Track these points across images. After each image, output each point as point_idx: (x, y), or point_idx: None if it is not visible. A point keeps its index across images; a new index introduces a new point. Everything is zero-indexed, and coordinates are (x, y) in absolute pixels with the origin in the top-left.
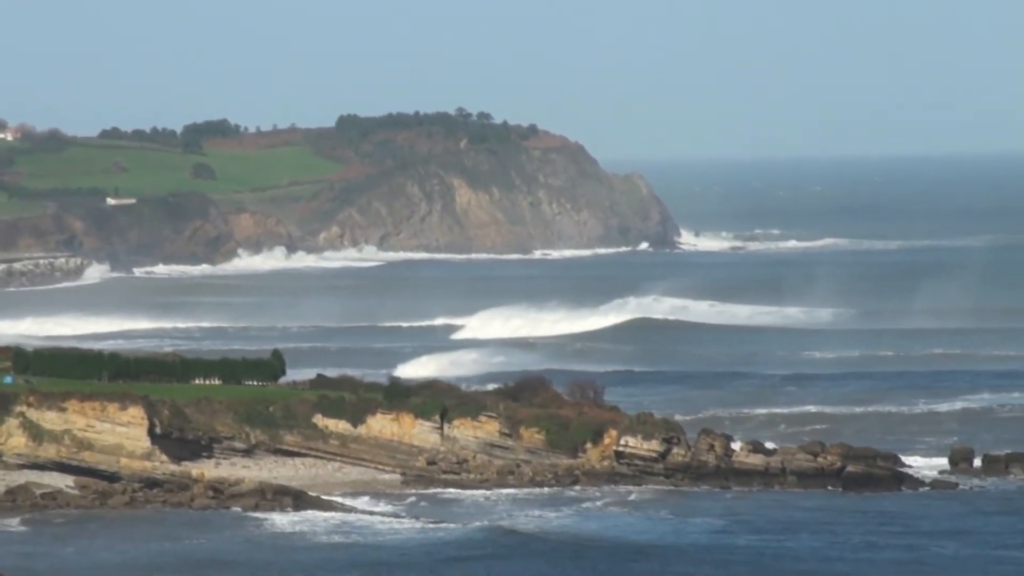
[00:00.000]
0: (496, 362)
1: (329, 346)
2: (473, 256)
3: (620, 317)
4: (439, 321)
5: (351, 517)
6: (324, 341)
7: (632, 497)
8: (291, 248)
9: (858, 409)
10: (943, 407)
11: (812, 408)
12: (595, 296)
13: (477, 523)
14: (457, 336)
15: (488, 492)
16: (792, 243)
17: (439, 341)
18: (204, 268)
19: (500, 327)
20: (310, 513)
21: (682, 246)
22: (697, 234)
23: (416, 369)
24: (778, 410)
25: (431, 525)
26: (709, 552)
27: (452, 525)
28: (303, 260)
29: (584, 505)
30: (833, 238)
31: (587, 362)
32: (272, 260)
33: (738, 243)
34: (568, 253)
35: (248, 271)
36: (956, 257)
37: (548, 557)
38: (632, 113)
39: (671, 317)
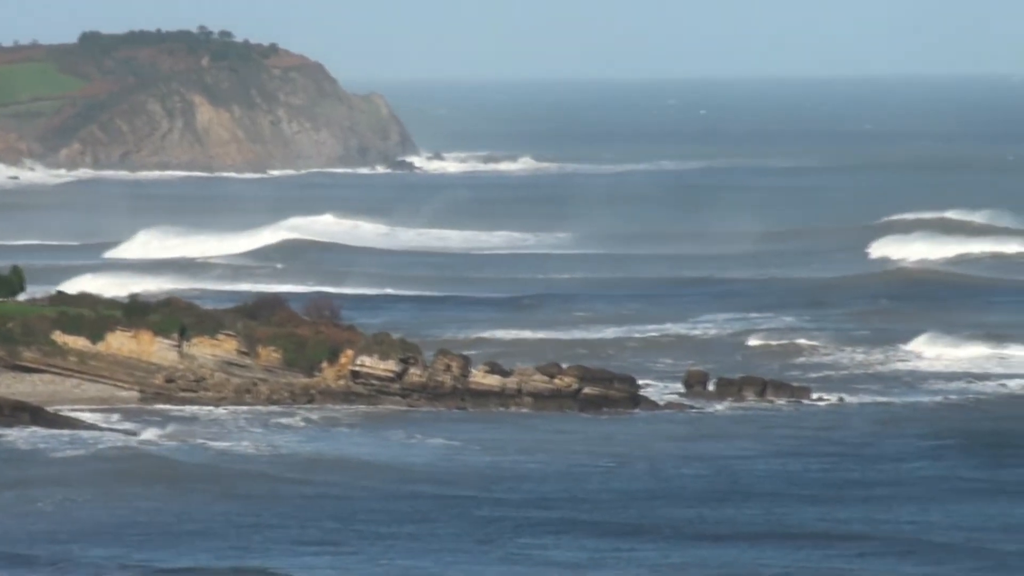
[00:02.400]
0: (156, 281)
1: (73, 263)
2: (214, 174)
3: (287, 235)
4: (113, 239)
5: (87, 434)
6: (59, 259)
7: (365, 416)
8: (31, 165)
9: (596, 332)
10: (680, 330)
11: (551, 331)
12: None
13: (199, 441)
14: (113, 255)
15: (224, 410)
16: (505, 165)
17: (95, 259)
18: None
19: (164, 245)
20: (48, 429)
21: (421, 167)
22: (437, 156)
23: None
24: (517, 333)
25: (165, 443)
26: (443, 472)
27: (184, 443)
28: (43, 177)
29: (316, 424)
30: (558, 162)
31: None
32: (11, 176)
33: (470, 165)
34: (306, 172)
35: None
36: (681, 180)
37: (271, 478)
38: (376, 32)
39: (358, 244)
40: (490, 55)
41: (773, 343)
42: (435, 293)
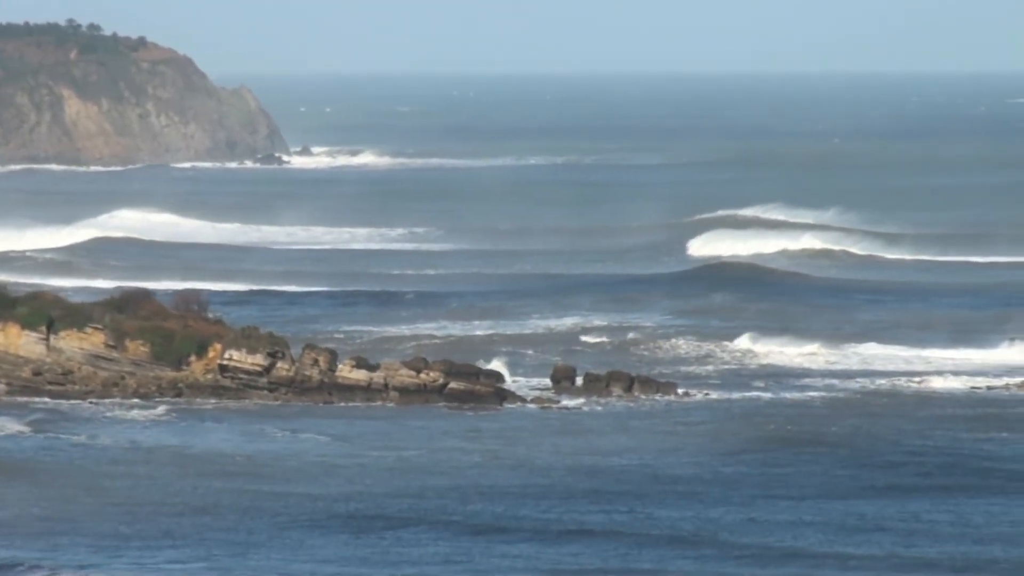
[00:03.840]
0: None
1: None
2: (84, 167)
3: (101, 232)
4: None
5: None
6: None
7: (233, 411)
8: None
9: (463, 327)
10: (546, 325)
11: (418, 325)
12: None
13: (62, 435)
14: None
15: (91, 403)
16: (372, 159)
17: None
18: None
19: None
20: None
21: (289, 161)
22: (306, 150)
23: None
24: (384, 328)
25: (28, 436)
26: (311, 467)
27: (47, 436)
28: None
29: (183, 418)
30: (423, 157)
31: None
32: None
33: (337, 160)
34: (176, 166)
35: None
36: (524, 175)
37: (135, 472)
38: (245, 26)
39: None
40: (363, 49)
41: (631, 339)
42: (302, 288)
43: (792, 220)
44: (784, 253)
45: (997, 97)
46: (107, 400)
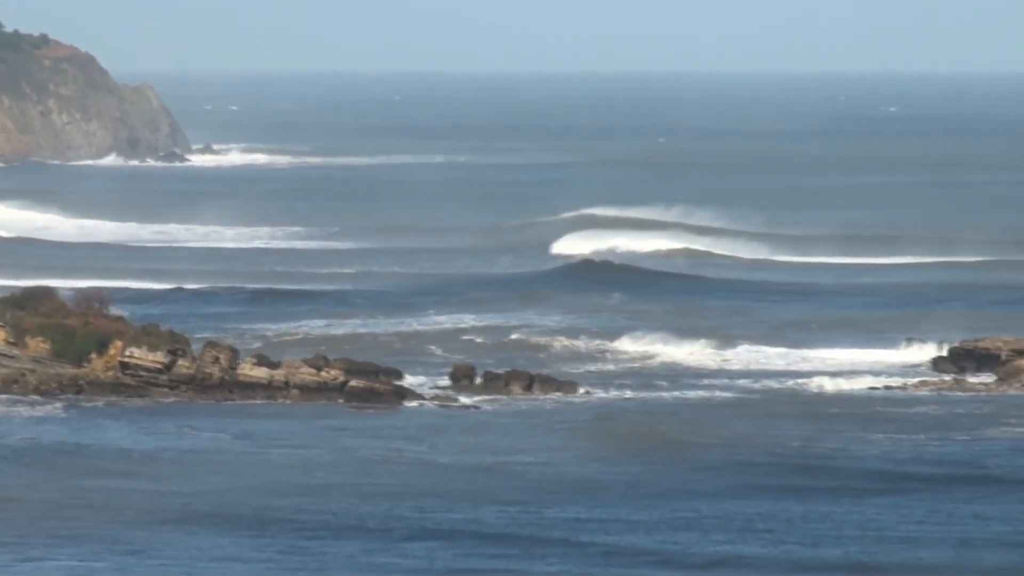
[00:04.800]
0: None
1: None
2: None
3: None
4: None
5: None
6: None
7: (132, 408)
8: None
9: (362, 325)
10: (445, 323)
11: (320, 322)
12: None
13: None
14: None
15: None
16: (271, 157)
17: None
18: None
19: None
20: None
21: (191, 159)
22: (208, 148)
23: None
24: (287, 325)
25: None
26: (213, 463)
27: None
28: None
29: (82, 415)
30: (324, 156)
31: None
32: None
33: (239, 158)
34: (76, 163)
35: None
36: (424, 174)
37: (31, 471)
38: (145, 24)
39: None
40: (273, 48)
41: (530, 337)
42: (203, 286)
43: (690, 222)
44: (684, 252)
45: (909, 98)
46: (5, 397)
